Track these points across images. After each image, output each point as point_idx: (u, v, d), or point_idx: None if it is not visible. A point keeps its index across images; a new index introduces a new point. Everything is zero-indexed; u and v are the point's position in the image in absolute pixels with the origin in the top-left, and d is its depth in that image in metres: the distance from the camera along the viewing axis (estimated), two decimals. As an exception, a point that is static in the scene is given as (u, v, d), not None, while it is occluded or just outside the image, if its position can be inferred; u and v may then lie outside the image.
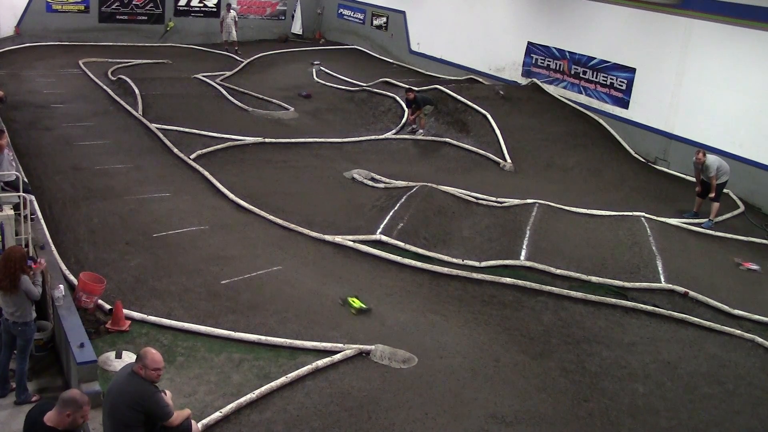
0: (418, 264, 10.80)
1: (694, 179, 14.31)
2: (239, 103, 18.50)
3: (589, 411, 7.98)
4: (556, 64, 19.45)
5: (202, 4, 26.37)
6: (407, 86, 18.58)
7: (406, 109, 17.85)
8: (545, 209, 12.71)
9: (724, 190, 14.67)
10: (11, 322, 7.47)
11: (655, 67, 16.91)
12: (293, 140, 16.01)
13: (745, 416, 8.25)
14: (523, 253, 11.26)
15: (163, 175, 13.48)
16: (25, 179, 11.05)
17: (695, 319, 10.03)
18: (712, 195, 13.51)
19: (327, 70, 22.58)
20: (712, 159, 13.62)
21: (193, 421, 6.54)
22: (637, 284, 10.70)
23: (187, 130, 15.72)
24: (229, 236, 11.28)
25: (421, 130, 17.17)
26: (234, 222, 11.82)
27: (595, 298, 10.26)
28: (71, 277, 9.27)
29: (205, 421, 6.95)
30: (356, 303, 9.53)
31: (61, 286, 8.14)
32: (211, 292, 9.59)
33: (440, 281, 10.49)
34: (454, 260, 10.97)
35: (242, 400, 7.35)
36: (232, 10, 25.47)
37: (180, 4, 25.96)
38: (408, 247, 11.23)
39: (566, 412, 7.90)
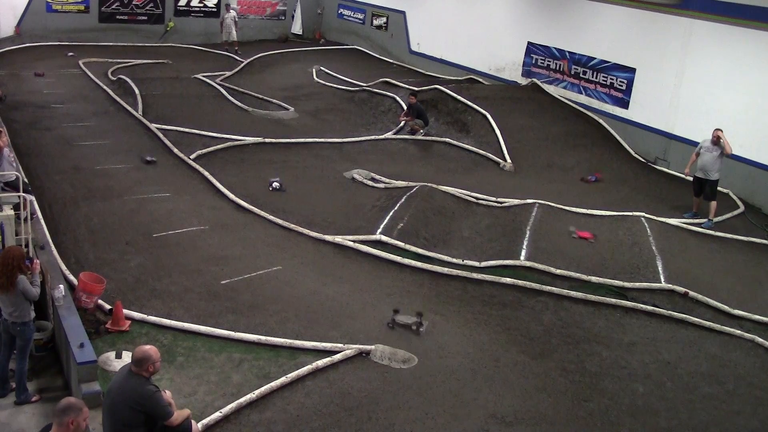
0: (418, 264, 10.80)
1: (689, 177, 14.23)
2: (239, 103, 18.51)
3: (589, 411, 7.98)
4: (556, 64, 19.45)
5: (202, 4, 26.38)
6: (412, 89, 18.58)
7: (405, 108, 17.89)
8: (545, 209, 12.71)
9: (724, 190, 14.71)
10: (10, 322, 7.47)
11: (655, 67, 16.91)
12: (293, 140, 16.01)
13: (745, 416, 8.24)
14: (523, 253, 11.26)
15: (163, 175, 13.48)
16: (25, 179, 11.05)
17: (695, 319, 10.03)
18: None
19: (327, 70, 22.59)
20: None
21: (193, 421, 6.54)
22: (637, 284, 10.70)
23: (187, 130, 15.73)
24: (229, 236, 11.28)
25: (421, 131, 17.18)
26: (234, 222, 11.82)
27: (595, 298, 10.25)
28: (71, 277, 9.27)
29: (205, 421, 6.95)
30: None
31: (61, 286, 8.14)
32: (211, 292, 9.59)
33: (440, 281, 10.48)
34: (454, 260, 10.97)
35: (242, 400, 7.35)
36: (231, 10, 25.49)
37: (180, 4, 25.98)
38: (408, 247, 11.22)
39: (566, 412, 7.90)
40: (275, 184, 13.26)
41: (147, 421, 6.07)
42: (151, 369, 6.06)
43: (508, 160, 16.06)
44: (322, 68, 22.82)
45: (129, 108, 17.14)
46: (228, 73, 21.52)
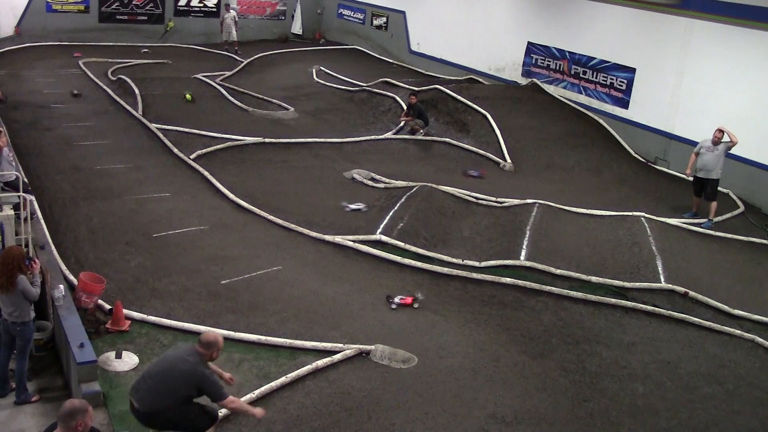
0: (418, 264, 10.80)
1: (690, 178, 14.24)
2: (239, 103, 18.51)
3: (589, 411, 7.98)
4: (556, 64, 19.45)
5: (202, 4, 26.39)
6: (412, 89, 18.58)
7: (405, 108, 17.89)
8: (545, 209, 12.71)
9: (724, 190, 14.71)
10: (10, 322, 7.47)
11: (655, 67, 16.91)
12: (293, 140, 16.02)
13: (745, 416, 8.25)
14: (523, 253, 11.26)
15: (163, 175, 13.48)
16: (25, 179, 11.06)
17: (695, 319, 10.03)
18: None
19: (327, 70, 22.60)
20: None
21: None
22: (637, 284, 10.70)
23: (187, 130, 15.73)
24: (229, 236, 11.29)
25: (421, 131, 17.19)
26: (234, 222, 11.82)
27: (595, 298, 10.25)
28: (71, 277, 9.27)
29: (205, 421, 6.95)
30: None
31: (61, 286, 8.14)
32: (211, 292, 9.59)
33: (440, 281, 10.48)
34: (454, 260, 10.97)
35: (242, 400, 7.33)
36: (231, 10, 25.50)
37: (180, 4, 25.98)
38: (408, 247, 11.22)
39: (566, 412, 7.90)
40: (355, 207, 12.59)
41: (189, 399, 6.32)
42: (215, 355, 6.40)
43: (508, 160, 16.07)
44: (322, 68, 22.82)
45: (129, 108, 17.15)
46: (228, 73, 21.52)
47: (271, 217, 11.92)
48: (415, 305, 9.71)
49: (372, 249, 11.10)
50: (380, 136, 16.95)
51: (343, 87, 20.65)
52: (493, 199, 13.28)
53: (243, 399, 7.33)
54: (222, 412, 7.05)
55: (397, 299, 9.76)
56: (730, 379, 8.88)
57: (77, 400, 5.11)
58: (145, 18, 25.52)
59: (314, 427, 7.18)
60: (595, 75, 18.40)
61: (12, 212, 9.15)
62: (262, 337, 8.52)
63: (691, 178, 14.16)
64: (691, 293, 10.50)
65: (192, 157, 14.27)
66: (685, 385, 8.68)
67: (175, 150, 14.54)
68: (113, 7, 24.83)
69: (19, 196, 9.14)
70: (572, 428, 7.68)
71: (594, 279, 10.74)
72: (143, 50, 23.84)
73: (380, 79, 20.64)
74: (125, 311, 8.70)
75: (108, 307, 8.82)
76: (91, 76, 19.92)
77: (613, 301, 10.25)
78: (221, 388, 6.34)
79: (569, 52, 19.01)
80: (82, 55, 22.16)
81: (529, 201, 13.01)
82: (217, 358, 6.56)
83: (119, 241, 10.75)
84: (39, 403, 7.61)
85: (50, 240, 9.92)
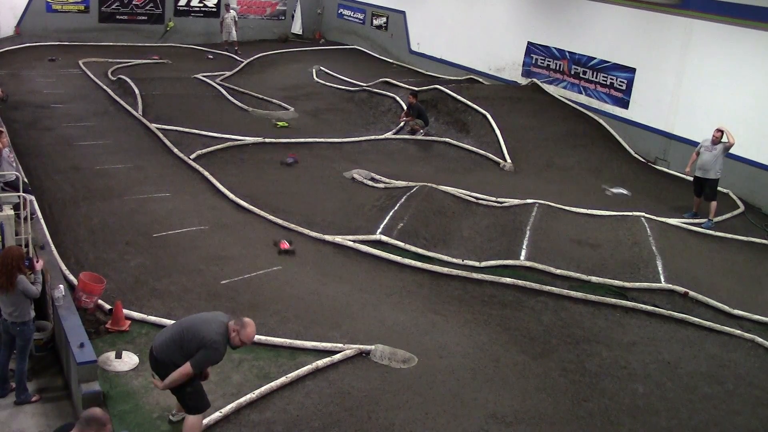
0: (418, 264, 10.80)
1: (690, 177, 14.24)
2: (239, 103, 18.51)
3: (589, 411, 7.98)
4: (556, 64, 19.45)
5: (202, 4, 26.39)
6: (412, 89, 18.57)
7: (405, 108, 17.89)
8: (545, 209, 12.71)
9: (724, 190, 14.71)
10: (10, 322, 7.47)
11: (655, 67, 16.91)
12: (293, 140, 16.02)
13: (745, 416, 8.25)
14: (523, 253, 11.26)
15: (163, 175, 13.48)
16: (25, 179, 11.05)
17: (695, 319, 10.03)
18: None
19: (327, 70, 22.60)
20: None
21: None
22: (637, 284, 10.69)
23: (187, 130, 15.74)
24: (229, 236, 11.29)
25: (421, 131, 17.19)
26: (234, 222, 11.82)
27: (595, 298, 10.25)
28: (71, 277, 9.28)
29: (205, 421, 6.94)
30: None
31: (61, 286, 8.15)
32: (211, 292, 9.59)
33: (440, 281, 10.48)
34: (454, 260, 10.97)
35: (242, 400, 7.35)
36: (231, 10, 25.51)
37: (180, 4, 25.99)
38: (408, 247, 11.23)
39: (566, 412, 7.90)
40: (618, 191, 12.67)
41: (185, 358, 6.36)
42: (237, 341, 6.38)
43: (508, 160, 16.06)
44: (322, 68, 22.82)
45: (129, 108, 17.15)
46: (228, 73, 21.53)
47: (271, 217, 11.93)
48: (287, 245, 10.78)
49: (372, 249, 11.11)
50: (380, 136, 16.95)
51: (343, 87, 20.66)
52: (493, 199, 13.28)
53: (243, 399, 7.36)
54: (218, 414, 7.07)
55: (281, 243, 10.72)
56: (730, 379, 8.88)
57: (102, 411, 5.13)
58: (145, 18, 25.53)
59: (314, 427, 7.18)
60: (595, 75, 18.40)
61: (12, 212, 9.14)
62: (262, 337, 8.51)
63: (690, 178, 14.16)
64: (691, 293, 10.50)
65: (192, 157, 14.27)
66: (685, 385, 8.68)
67: (175, 150, 14.54)
68: (113, 7, 24.84)
69: (19, 196, 9.14)
70: (572, 428, 7.68)
71: (594, 279, 10.74)
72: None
73: (380, 79, 20.63)
74: (125, 311, 8.70)
75: (108, 307, 8.82)
76: (91, 76, 19.92)
77: (613, 301, 10.25)
78: (202, 366, 6.43)
79: (569, 52, 19.01)
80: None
81: (529, 201, 13.01)
82: (237, 347, 6.55)
83: (119, 241, 10.75)
84: (39, 403, 7.61)
85: (50, 240, 9.92)
